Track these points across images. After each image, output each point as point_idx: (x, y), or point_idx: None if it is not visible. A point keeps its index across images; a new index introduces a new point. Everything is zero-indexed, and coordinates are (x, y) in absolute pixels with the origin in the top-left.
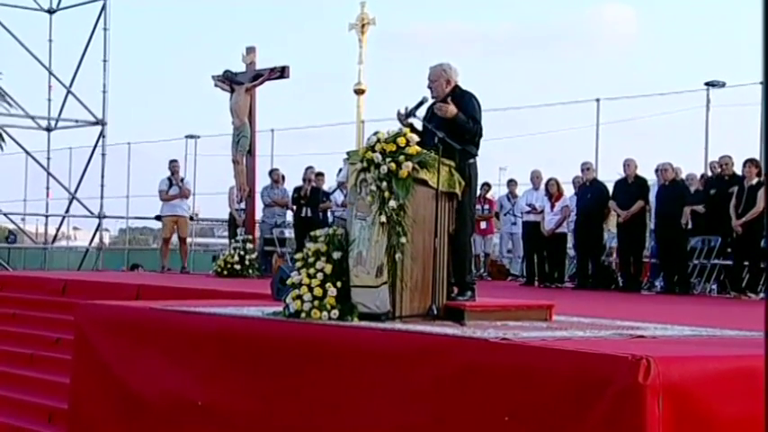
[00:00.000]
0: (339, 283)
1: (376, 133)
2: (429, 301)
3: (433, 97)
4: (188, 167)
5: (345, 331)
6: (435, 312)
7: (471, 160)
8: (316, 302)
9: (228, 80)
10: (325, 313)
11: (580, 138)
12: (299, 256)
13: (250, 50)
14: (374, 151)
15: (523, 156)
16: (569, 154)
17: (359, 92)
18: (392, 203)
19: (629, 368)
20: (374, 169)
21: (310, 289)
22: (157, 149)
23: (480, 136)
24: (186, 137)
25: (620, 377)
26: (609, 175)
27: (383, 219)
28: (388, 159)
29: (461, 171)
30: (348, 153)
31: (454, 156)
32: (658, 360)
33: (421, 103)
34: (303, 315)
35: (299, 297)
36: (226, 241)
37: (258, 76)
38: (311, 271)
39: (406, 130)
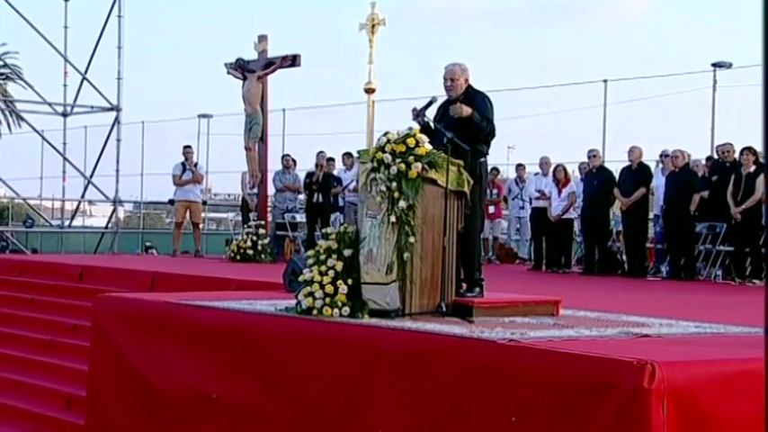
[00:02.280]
0: (350, 281)
1: (386, 134)
2: (438, 298)
3: (450, 96)
4: (201, 146)
5: (356, 329)
6: (444, 309)
7: (482, 159)
8: (327, 299)
9: (241, 68)
10: (336, 310)
11: (588, 118)
12: (311, 253)
13: (262, 38)
14: (384, 152)
15: (532, 135)
16: (577, 133)
17: (369, 91)
18: (402, 204)
19: (635, 373)
20: (384, 169)
21: (322, 286)
22: (171, 128)
23: (493, 136)
24: (199, 116)
25: (626, 381)
26: (616, 155)
27: (393, 219)
28: (397, 160)
29: (472, 170)
30: (359, 152)
31: (465, 155)
32: (663, 365)
33: (430, 103)
34: (315, 312)
35: (311, 294)
36: (238, 217)
37: (270, 64)
38: (323, 268)
39: (416, 130)
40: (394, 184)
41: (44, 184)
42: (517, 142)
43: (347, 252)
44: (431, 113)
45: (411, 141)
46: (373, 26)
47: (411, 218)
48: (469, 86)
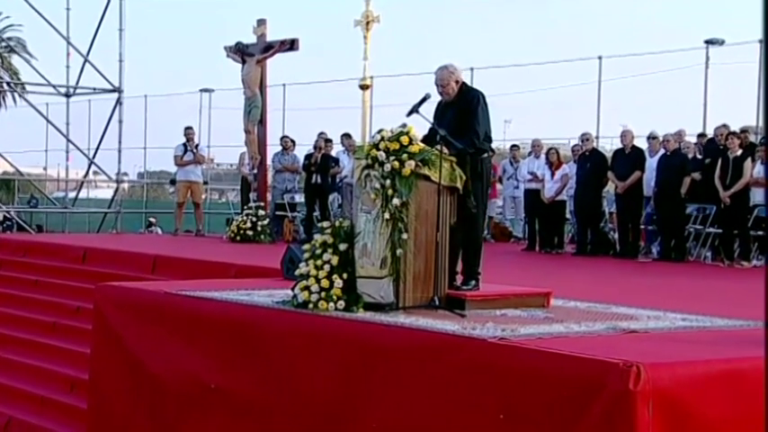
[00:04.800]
0: (345, 275)
1: (380, 131)
2: (431, 292)
3: (445, 100)
4: (203, 120)
5: (351, 325)
6: (437, 303)
7: (485, 155)
8: (323, 294)
9: (240, 51)
10: (331, 304)
11: (583, 93)
12: (307, 246)
13: (261, 22)
14: (378, 149)
15: (528, 109)
16: (573, 108)
17: (364, 87)
18: (395, 201)
19: (621, 375)
20: (378, 167)
21: (318, 280)
22: (173, 102)
23: (490, 140)
24: (201, 90)
25: (612, 383)
26: (611, 131)
27: (387, 216)
28: (391, 158)
29: (474, 167)
30: (354, 149)
31: (458, 153)
32: (648, 366)
33: (424, 100)
34: (311, 306)
35: (307, 288)
36: (238, 198)
37: (269, 48)
38: (318, 262)
39: (410, 127)
40: (388, 181)
41: (49, 156)
42: (513, 116)
43: (342, 246)
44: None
45: (405, 139)
46: (368, 23)
47: (404, 215)
48: (463, 85)
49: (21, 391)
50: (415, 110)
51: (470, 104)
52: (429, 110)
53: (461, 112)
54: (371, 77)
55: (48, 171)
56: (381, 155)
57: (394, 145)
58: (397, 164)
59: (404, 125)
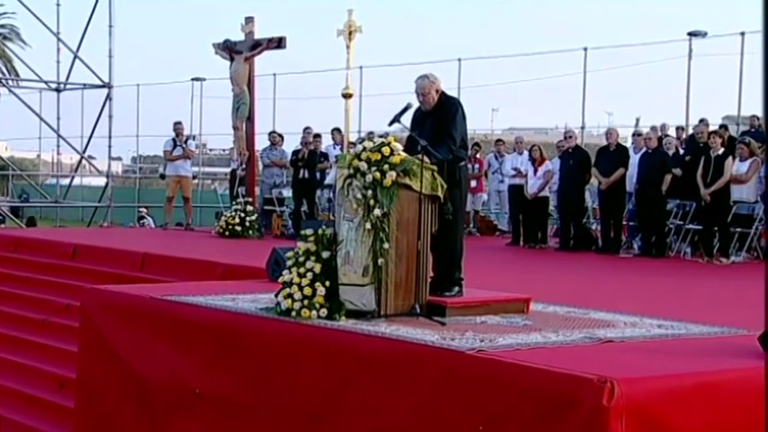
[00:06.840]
0: (328, 282)
1: (362, 141)
2: (412, 300)
3: (425, 108)
4: (195, 108)
5: (332, 333)
6: (418, 311)
7: (462, 163)
8: (305, 301)
9: (228, 49)
10: (314, 312)
11: (569, 83)
12: (290, 254)
13: (249, 20)
14: (360, 159)
15: (516, 98)
16: (558, 99)
17: (347, 96)
18: (377, 212)
19: (595, 391)
20: (360, 177)
21: (300, 288)
22: (165, 91)
23: (466, 148)
24: (192, 79)
25: (586, 398)
26: (597, 120)
27: (368, 226)
28: (373, 168)
29: (452, 174)
30: (336, 158)
31: (438, 163)
32: (622, 381)
33: (406, 109)
34: (294, 314)
35: (290, 296)
36: (227, 191)
37: (257, 46)
38: (301, 270)
39: (392, 137)
40: (369, 192)
41: (42, 142)
42: (500, 105)
43: (325, 254)
44: (407, 121)
45: (386, 150)
46: (350, 33)
47: (386, 224)
48: (442, 95)
49: (9, 389)
50: (396, 119)
51: (449, 112)
52: (407, 118)
53: (440, 121)
54: (361, 67)
55: (42, 156)
56: (363, 165)
57: (375, 155)
58: (378, 174)
59: (386, 134)
